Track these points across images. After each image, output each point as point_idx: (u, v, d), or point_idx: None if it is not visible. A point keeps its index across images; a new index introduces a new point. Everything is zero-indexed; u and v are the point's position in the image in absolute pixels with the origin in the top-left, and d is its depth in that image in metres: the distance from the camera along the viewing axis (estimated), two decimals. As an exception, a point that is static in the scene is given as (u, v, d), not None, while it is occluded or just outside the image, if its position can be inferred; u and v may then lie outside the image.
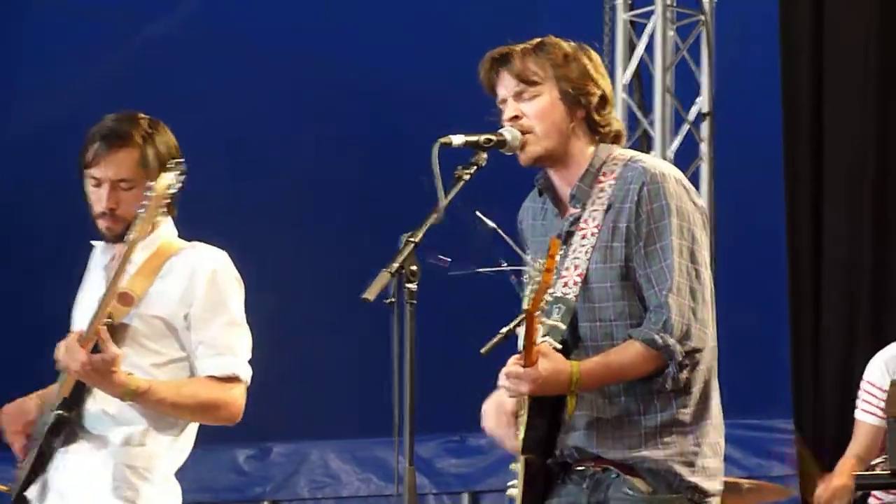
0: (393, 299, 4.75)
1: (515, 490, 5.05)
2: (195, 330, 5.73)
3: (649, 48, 9.86)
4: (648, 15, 9.87)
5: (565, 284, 4.96)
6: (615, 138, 5.14)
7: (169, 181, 5.55)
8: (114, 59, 10.99)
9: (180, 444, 5.81)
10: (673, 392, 4.96)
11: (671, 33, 9.87)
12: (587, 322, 4.98)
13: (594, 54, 5.14)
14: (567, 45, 5.07)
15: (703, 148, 9.84)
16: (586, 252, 4.97)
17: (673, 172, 5.06)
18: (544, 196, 5.19)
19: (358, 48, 10.78)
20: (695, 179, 9.75)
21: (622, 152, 5.11)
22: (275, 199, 8.82)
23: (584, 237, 4.97)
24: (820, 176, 9.85)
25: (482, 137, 5.02)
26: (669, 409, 4.99)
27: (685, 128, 9.87)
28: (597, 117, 5.08)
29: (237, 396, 5.75)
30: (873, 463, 7.72)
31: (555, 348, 4.89)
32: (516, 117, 5.03)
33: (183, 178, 5.60)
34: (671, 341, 4.87)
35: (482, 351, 5.24)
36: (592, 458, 5.00)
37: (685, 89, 9.87)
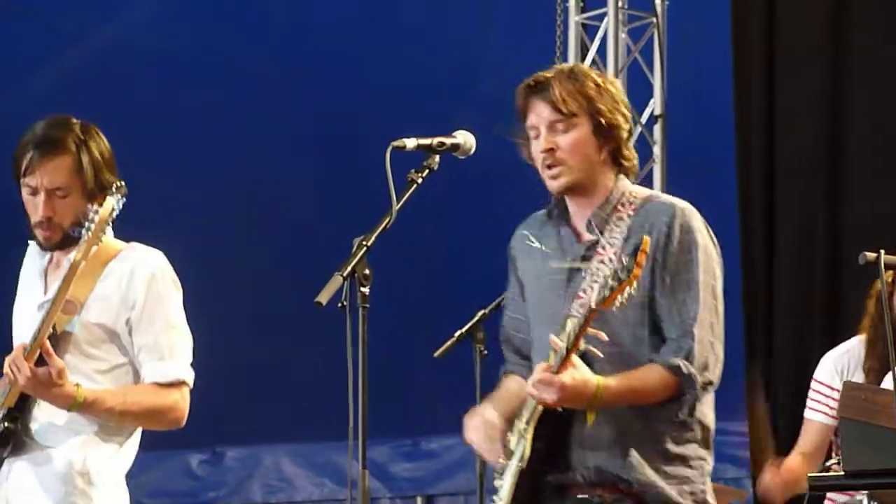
0: (345, 303, 4.79)
1: (500, 501, 5.08)
2: (136, 334, 5.75)
3: (601, 50, 9.90)
4: (601, 17, 9.91)
5: (582, 305, 4.96)
6: (631, 172, 5.25)
7: (112, 205, 5.59)
8: (66, 62, 10.99)
9: (127, 449, 5.83)
10: (684, 422, 5.08)
11: (623, 36, 9.90)
12: (600, 345, 4.97)
13: (618, 83, 5.31)
14: (596, 75, 5.19)
15: (656, 150, 9.88)
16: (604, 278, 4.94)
17: (697, 213, 5.17)
18: (546, 223, 5.27)
19: (312, 50, 10.80)
20: (647, 181, 9.80)
21: (640, 189, 5.26)
22: (227, 201, 8.85)
23: (601, 262, 5.01)
24: (772, 176, 9.89)
25: (435, 141, 5.09)
26: (683, 439, 5.11)
27: (638, 130, 9.89)
28: (625, 151, 5.18)
29: (180, 400, 5.77)
30: (828, 464, 7.78)
31: None
32: (552, 150, 5.09)
33: (124, 200, 5.59)
34: (693, 370, 4.97)
35: (436, 354, 5.28)
36: (609, 479, 5.05)
37: (637, 92, 9.89)
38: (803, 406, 8.11)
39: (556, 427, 5.01)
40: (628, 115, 5.18)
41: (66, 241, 5.72)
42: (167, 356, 5.75)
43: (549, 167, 5.10)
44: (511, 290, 5.34)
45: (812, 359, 8.39)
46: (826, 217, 9.71)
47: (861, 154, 9.75)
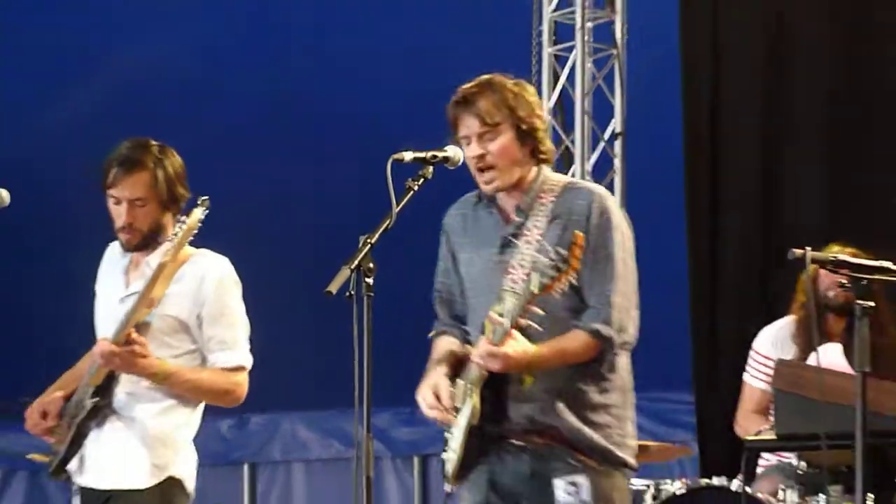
0: (352, 292, 4.80)
1: (448, 455, 5.12)
2: (205, 327, 5.83)
3: (570, 78, 9.86)
4: (570, 49, 9.88)
5: (513, 280, 5.03)
6: (549, 161, 5.27)
7: (199, 216, 5.65)
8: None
9: (195, 418, 5.93)
10: (605, 377, 5.10)
11: (589, 65, 9.86)
12: (538, 317, 4.98)
13: (530, 87, 5.27)
14: (513, 85, 5.18)
15: (617, 163, 9.85)
16: (532, 256, 5.00)
17: (612, 197, 5.29)
18: (476, 204, 5.27)
19: (321, 76, 10.74)
20: (609, 189, 9.78)
21: (559, 177, 5.33)
22: (259, 210, 8.77)
23: (527, 242, 5.06)
24: (716, 186, 9.87)
25: (429, 154, 5.13)
26: (603, 392, 5.11)
27: (601, 145, 9.88)
28: (542, 147, 5.20)
29: (242, 382, 5.89)
30: (761, 429, 7.76)
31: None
32: (482, 155, 5.10)
33: (208, 212, 5.67)
34: (612, 333, 5.03)
35: (430, 335, 5.26)
36: (542, 428, 5.06)
37: (601, 112, 9.87)
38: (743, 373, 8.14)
39: (496, 387, 5.03)
40: (542, 115, 5.26)
41: (143, 244, 5.82)
42: (231, 346, 5.86)
43: (482, 171, 5.13)
44: (443, 260, 5.36)
45: (750, 334, 8.39)
46: (763, 218, 9.71)
47: (792, 169, 9.74)
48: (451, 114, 5.17)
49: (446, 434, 5.11)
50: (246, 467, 11.73)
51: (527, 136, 5.13)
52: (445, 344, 5.28)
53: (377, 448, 10.84)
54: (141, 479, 5.73)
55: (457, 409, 5.07)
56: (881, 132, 9.22)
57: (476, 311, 5.13)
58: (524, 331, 4.95)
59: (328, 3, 10.72)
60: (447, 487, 5.21)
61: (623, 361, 5.15)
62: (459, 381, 5.10)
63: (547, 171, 5.23)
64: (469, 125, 5.11)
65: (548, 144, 5.24)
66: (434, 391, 5.12)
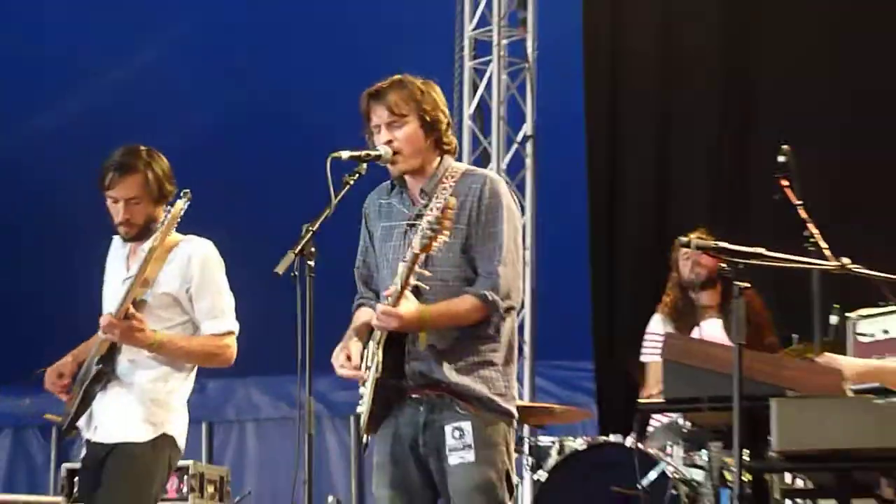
0: (296, 273, 4.84)
1: (362, 408, 5.12)
2: (195, 301, 5.89)
3: (488, 88, 9.88)
4: (487, 63, 9.90)
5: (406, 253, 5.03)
6: (452, 152, 5.26)
7: (181, 206, 5.68)
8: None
9: (188, 382, 6.00)
10: (492, 337, 5.08)
11: (504, 77, 9.89)
12: (427, 281, 5.02)
13: (438, 87, 5.28)
14: (421, 83, 5.20)
15: (528, 162, 9.87)
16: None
17: (503, 181, 5.25)
18: (391, 191, 5.28)
19: (282, 88, 10.73)
20: (522, 185, 9.78)
21: (460, 164, 5.29)
22: (217, 201, 8.71)
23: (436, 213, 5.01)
24: (614, 181, 9.91)
25: (363, 153, 5.13)
26: (487, 350, 5.09)
27: (514, 147, 9.89)
28: (444, 139, 5.20)
29: (230, 345, 5.97)
30: (652, 392, 7.78)
31: None
32: (390, 141, 5.11)
33: (189, 203, 5.69)
34: (497, 298, 5.01)
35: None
36: (430, 382, 5.05)
37: (514, 118, 9.89)
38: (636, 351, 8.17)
39: (397, 346, 5.03)
40: (446, 111, 5.25)
41: (140, 235, 5.89)
42: (218, 315, 5.93)
43: (392, 156, 5.13)
44: (363, 240, 5.35)
45: (642, 319, 8.42)
46: (655, 207, 9.75)
47: (682, 170, 9.78)
48: (363, 105, 5.19)
49: (361, 390, 5.11)
50: (204, 426, 11.70)
51: (431, 128, 5.15)
52: (362, 314, 5.28)
53: (318, 409, 10.80)
54: (139, 434, 5.78)
55: (368, 369, 5.08)
56: (760, 139, 9.23)
57: (386, 282, 5.13)
58: (418, 293, 4.99)
59: (267, 26, 10.72)
60: (364, 438, 5.20)
61: (508, 324, 5.14)
62: (371, 343, 5.11)
63: (449, 160, 5.24)
64: (379, 115, 5.14)
65: (450, 137, 5.24)
66: (345, 353, 5.13)
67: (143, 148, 5.92)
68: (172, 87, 10.82)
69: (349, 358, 5.12)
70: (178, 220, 5.69)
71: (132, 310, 5.68)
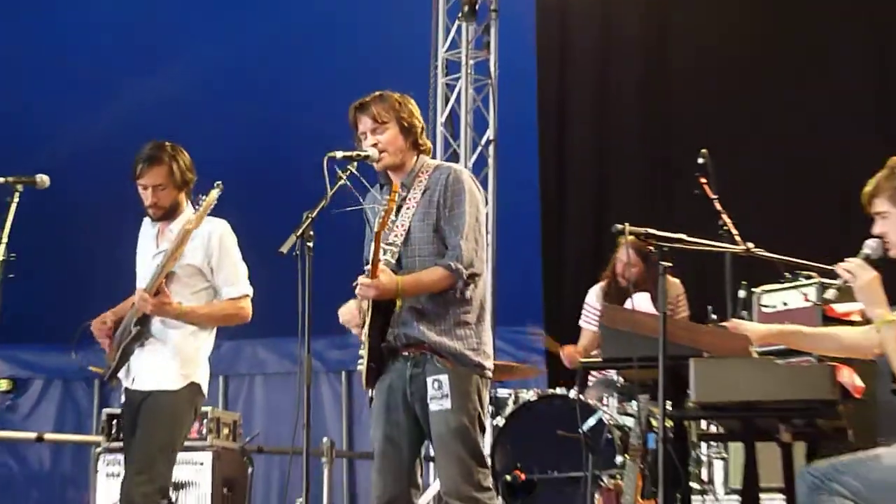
0: (297, 252, 4.86)
1: (361, 366, 5.08)
2: (216, 270, 5.89)
3: (458, 100, 9.82)
4: (457, 80, 9.86)
5: (395, 235, 5.06)
6: (427, 152, 5.26)
7: (215, 195, 5.74)
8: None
9: (209, 341, 5.99)
10: (461, 300, 5.04)
11: (471, 91, 9.83)
12: (408, 257, 5.04)
13: (412, 100, 5.26)
14: (398, 96, 5.20)
15: (490, 161, 9.81)
16: (409, 216, 5.07)
17: (466, 171, 5.26)
18: (383, 188, 5.24)
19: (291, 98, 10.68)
20: (485, 181, 9.76)
21: (433, 161, 5.28)
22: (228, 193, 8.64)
23: (408, 208, 5.08)
24: (561, 180, 9.93)
25: (355, 153, 5.11)
26: (461, 312, 5.05)
27: (479, 149, 9.86)
28: (420, 141, 5.20)
29: (246, 306, 5.98)
30: (592, 353, 7.79)
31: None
32: (375, 144, 5.11)
33: (221, 193, 5.76)
34: (461, 267, 4.97)
35: (354, 284, 5.24)
36: (414, 341, 5.02)
37: (480, 125, 9.85)
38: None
39: (383, 313, 5.02)
40: (420, 118, 5.24)
41: (166, 216, 5.90)
42: (234, 282, 5.93)
43: (377, 155, 5.14)
44: (367, 233, 5.29)
45: (582, 290, 8.43)
46: (596, 200, 9.77)
47: (618, 169, 9.78)
48: (351, 116, 5.20)
49: (360, 352, 5.09)
50: (220, 379, 11.64)
51: (408, 132, 5.15)
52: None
53: (315, 365, 10.86)
54: (171, 383, 5.79)
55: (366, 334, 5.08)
56: (683, 138, 9.23)
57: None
58: (399, 267, 5.02)
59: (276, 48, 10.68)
60: (368, 393, 5.18)
61: (479, 289, 5.11)
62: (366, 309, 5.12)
63: (424, 158, 5.23)
64: (365, 123, 5.14)
65: (424, 139, 5.24)
66: (350, 308, 5.18)
67: (167, 143, 5.90)
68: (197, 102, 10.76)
69: (355, 315, 5.17)
70: (212, 206, 5.73)
71: (162, 284, 5.68)
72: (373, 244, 4.93)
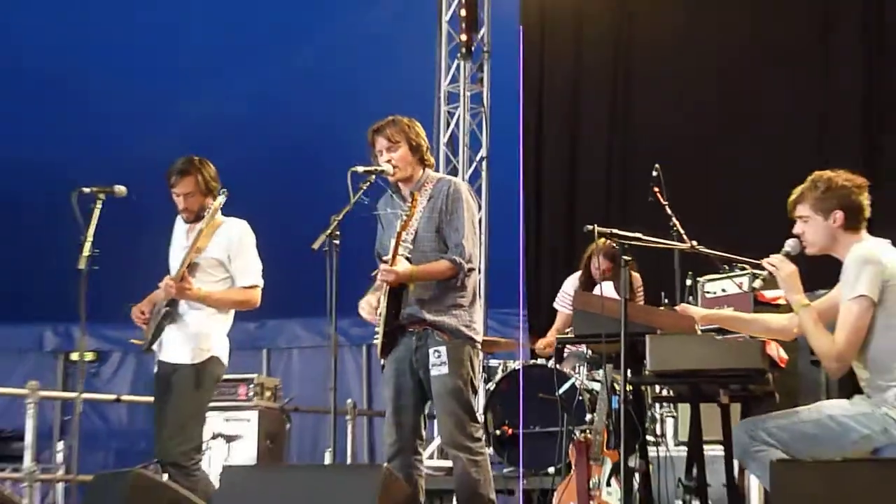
0: (326, 248, 4.88)
1: (377, 340, 5.11)
2: (233, 263, 5.76)
3: (457, 124, 9.83)
4: (457, 108, 9.86)
5: (406, 234, 5.05)
6: (430, 166, 5.27)
7: (221, 201, 5.68)
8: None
9: (228, 320, 5.86)
10: (458, 288, 5.07)
11: (468, 117, 9.83)
12: (415, 252, 5.04)
13: (419, 123, 5.29)
14: (408, 121, 5.23)
15: (483, 174, 9.80)
16: (418, 220, 5.07)
17: (464, 184, 5.32)
18: (394, 195, 5.25)
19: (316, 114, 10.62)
20: (479, 190, 9.74)
21: (436, 174, 5.32)
22: (258, 201, 8.56)
23: (416, 212, 5.07)
24: (539, 191, 9.91)
25: (373, 168, 5.13)
26: (457, 296, 5.08)
27: (474, 165, 9.85)
28: (425, 157, 5.22)
29: (256, 294, 5.80)
30: (566, 331, 7.78)
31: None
32: (389, 160, 5.13)
33: (226, 198, 5.69)
34: (462, 261, 5.02)
35: (372, 274, 5.22)
36: (418, 320, 5.04)
37: (475, 145, 9.85)
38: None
39: (396, 296, 5.04)
40: (426, 139, 5.24)
41: (196, 217, 5.77)
42: (247, 273, 5.78)
43: (391, 170, 5.16)
44: (378, 231, 5.34)
45: (559, 279, 8.41)
46: (565, 203, 9.79)
47: (586, 181, 9.77)
48: (369, 137, 5.22)
49: (376, 329, 5.11)
50: (264, 351, 11.67)
51: (415, 150, 5.16)
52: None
53: (341, 340, 10.81)
54: (195, 357, 5.70)
55: (380, 315, 5.10)
56: (640, 156, 9.21)
57: (388, 254, 5.12)
58: (409, 260, 5.01)
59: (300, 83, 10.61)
60: (382, 361, 5.19)
61: (472, 279, 5.14)
62: (381, 296, 5.12)
63: (430, 171, 5.25)
64: (380, 143, 5.17)
65: (429, 156, 5.25)
66: (367, 302, 5.19)
67: (196, 157, 5.82)
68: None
69: (369, 304, 5.17)
70: (219, 209, 5.67)
71: (186, 274, 5.60)
72: (393, 240, 4.95)
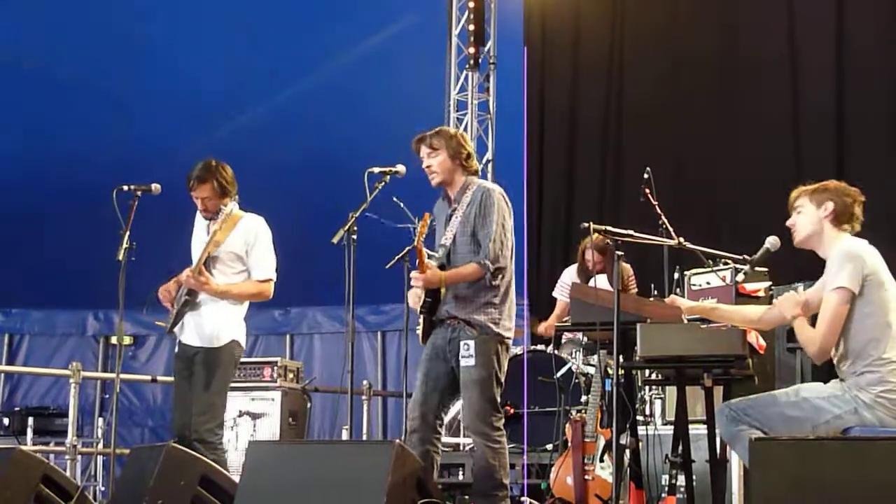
0: (345, 243, 4.92)
1: (419, 329, 5.14)
2: (250, 257, 5.72)
3: (465, 130, 9.81)
4: (465, 115, 9.86)
5: (446, 238, 5.07)
6: (475, 172, 5.24)
7: (232, 206, 5.68)
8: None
9: (244, 309, 5.79)
10: (489, 287, 5.05)
11: (475, 123, 9.84)
12: (454, 254, 5.07)
13: (464, 134, 5.36)
14: (452, 130, 5.25)
15: (489, 176, 9.79)
16: (455, 225, 5.07)
17: (498, 188, 5.20)
18: (443, 198, 5.25)
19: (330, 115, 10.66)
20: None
21: (477, 179, 5.25)
22: (283, 203, 8.56)
23: (456, 217, 5.08)
24: (541, 190, 9.91)
25: (387, 168, 5.14)
26: (488, 295, 5.06)
27: (481, 167, 9.84)
28: (465, 163, 5.18)
29: (269, 287, 5.75)
30: (564, 319, 7.78)
31: (439, 266, 5.06)
32: (429, 166, 5.15)
33: (237, 198, 5.65)
34: (488, 263, 4.99)
35: (387, 266, 5.23)
36: (452, 315, 5.05)
37: (481, 149, 9.83)
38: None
39: (434, 295, 5.05)
40: (468, 147, 5.21)
41: (213, 216, 5.72)
42: (261, 267, 5.73)
43: (430, 174, 5.17)
44: (437, 228, 5.31)
45: (558, 270, 8.41)
46: (564, 201, 9.77)
47: (582, 181, 9.76)
48: (414, 145, 5.20)
49: (419, 320, 5.15)
50: (288, 337, 11.68)
51: (455, 157, 5.14)
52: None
53: (358, 326, 10.88)
54: (216, 341, 5.68)
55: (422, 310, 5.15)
56: (633, 158, 9.21)
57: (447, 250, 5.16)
58: (448, 261, 5.03)
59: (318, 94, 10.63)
60: (421, 343, 5.20)
61: (506, 278, 5.11)
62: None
63: (472, 177, 5.21)
64: (423, 150, 5.16)
65: (471, 163, 5.21)
66: (414, 293, 5.18)
67: (213, 162, 5.75)
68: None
69: (418, 297, 5.17)
70: (230, 215, 5.64)
71: (203, 269, 5.57)
72: (424, 250, 4.98)
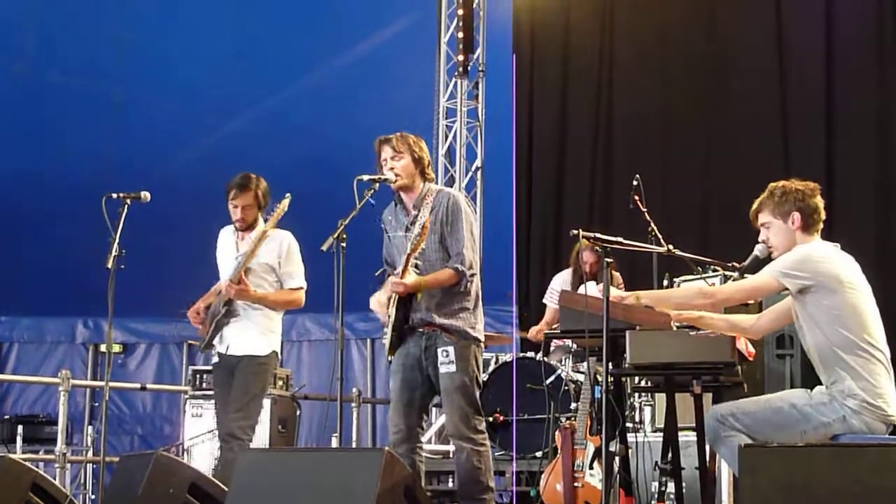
0: (334, 250, 4.88)
1: (386, 339, 5.11)
2: (283, 267, 5.90)
3: (455, 137, 9.85)
4: (454, 122, 9.88)
5: (414, 244, 4.99)
6: (431, 180, 5.23)
7: (285, 204, 5.71)
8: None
9: (280, 318, 6.00)
10: (463, 293, 5.06)
11: (464, 131, 9.86)
12: (422, 261, 5.03)
13: (423, 141, 5.25)
14: (414, 137, 5.20)
15: (479, 183, 9.85)
16: (417, 231, 4.99)
17: (462, 195, 5.23)
18: (397, 206, 5.22)
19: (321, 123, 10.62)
20: (475, 197, 9.76)
21: (437, 186, 5.26)
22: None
23: (418, 224, 5.01)
24: (530, 196, 9.92)
25: (377, 177, 5.10)
26: (462, 301, 5.07)
27: (470, 174, 9.88)
28: (426, 170, 5.19)
29: (301, 295, 5.96)
30: (553, 326, 7.78)
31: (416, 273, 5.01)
32: (393, 168, 5.11)
33: (290, 200, 5.70)
34: (464, 268, 5.00)
35: (376, 273, 5.23)
36: (427, 323, 5.03)
37: (471, 155, 9.85)
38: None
39: (406, 301, 5.04)
40: (428, 154, 5.22)
41: (248, 228, 5.92)
42: (293, 277, 5.93)
43: (394, 177, 5.14)
44: (385, 238, 5.31)
45: (548, 277, 8.41)
46: (553, 208, 9.79)
47: (572, 189, 9.77)
48: (376, 147, 5.20)
49: (384, 329, 5.12)
50: (276, 344, 11.65)
51: (417, 162, 5.14)
52: (388, 280, 5.23)
53: (347, 334, 10.87)
54: (260, 350, 5.86)
55: (389, 316, 5.10)
56: (621, 166, 9.23)
57: (398, 262, 5.12)
58: (416, 268, 5.00)
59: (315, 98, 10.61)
60: (388, 357, 5.20)
61: (475, 284, 5.13)
62: (391, 299, 5.11)
63: (430, 184, 5.22)
64: (386, 152, 5.14)
65: (430, 170, 5.23)
66: (377, 299, 5.19)
67: (253, 175, 5.94)
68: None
69: (380, 303, 5.17)
70: (285, 211, 5.72)
71: (243, 277, 5.71)
72: (404, 256, 4.95)
